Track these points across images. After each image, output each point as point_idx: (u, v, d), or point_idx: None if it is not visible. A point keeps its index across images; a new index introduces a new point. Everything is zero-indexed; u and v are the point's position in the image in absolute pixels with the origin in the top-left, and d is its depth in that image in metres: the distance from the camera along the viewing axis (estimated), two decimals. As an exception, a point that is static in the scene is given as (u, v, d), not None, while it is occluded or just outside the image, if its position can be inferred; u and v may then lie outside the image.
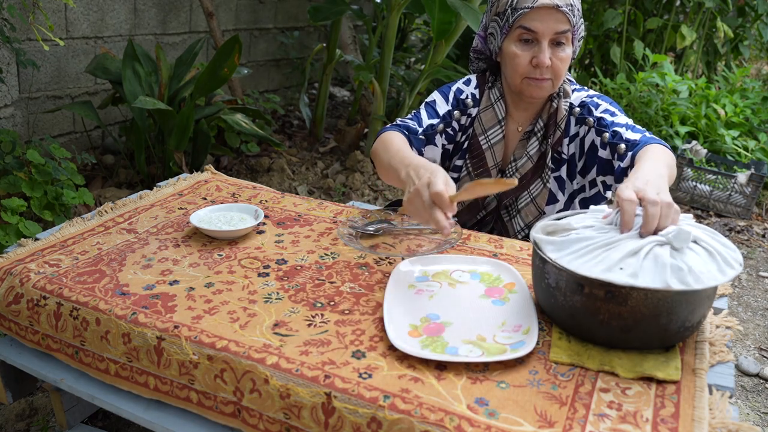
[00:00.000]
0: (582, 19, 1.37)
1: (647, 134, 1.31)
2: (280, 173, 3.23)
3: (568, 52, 1.34)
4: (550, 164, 1.43)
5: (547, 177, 1.43)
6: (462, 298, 1.09)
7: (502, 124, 1.45)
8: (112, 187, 2.80)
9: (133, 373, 1.04)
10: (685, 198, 3.42)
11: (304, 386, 0.89)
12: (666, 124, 3.58)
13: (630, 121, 1.36)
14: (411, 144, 1.41)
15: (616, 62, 3.95)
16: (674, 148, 3.56)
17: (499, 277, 1.16)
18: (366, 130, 3.72)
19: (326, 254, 1.26)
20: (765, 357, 2.13)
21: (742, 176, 3.24)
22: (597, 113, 1.38)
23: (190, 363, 0.97)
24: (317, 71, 4.17)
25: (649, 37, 4.11)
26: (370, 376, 0.89)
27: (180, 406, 1.00)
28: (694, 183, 3.39)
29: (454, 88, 1.50)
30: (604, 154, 1.36)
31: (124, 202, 1.51)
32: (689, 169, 3.39)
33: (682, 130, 3.50)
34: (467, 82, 1.51)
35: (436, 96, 1.50)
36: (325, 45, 3.72)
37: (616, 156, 1.32)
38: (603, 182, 1.41)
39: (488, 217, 1.54)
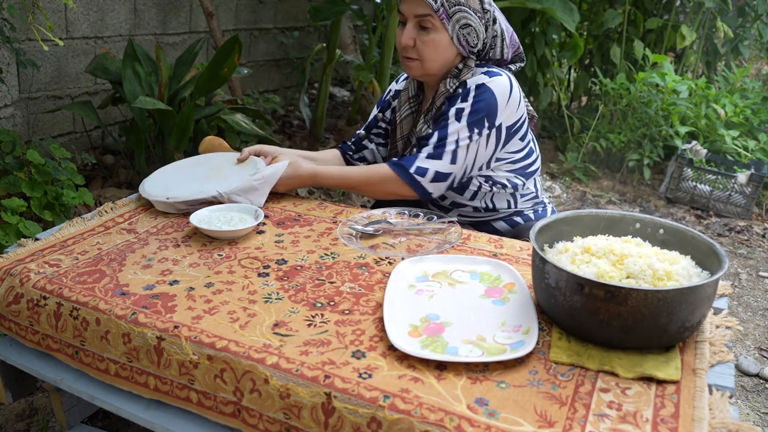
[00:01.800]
0: (460, 7, 1.41)
1: (435, 156, 1.42)
2: (280, 173, 3.22)
3: (433, 36, 1.42)
4: (413, 140, 1.56)
5: (410, 149, 1.57)
6: (462, 298, 1.09)
7: (413, 101, 1.59)
8: (112, 187, 2.79)
9: (133, 373, 1.04)
10: (685, 198, 3.42)
11: (304, 386, 0.89)
12: (666, 124, 3.58)
13: (457, 131, 1.42)
14: (344, 155, 1.70)
15: (616, 62, 3.95)
16: (674, 148, 3.56)
17: (499, 277, 1.16)
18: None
19: (326, 254, 1.26)
20: (765, 357, 2.13)
21: (742, 176, 3.24)
22: (453, 107, 1.44)
23: (190, 363, 0.97)
24: (317, 71, 4.17)
25: (649, 37, 4.11)
26: (370, 376, 0.89)
27: (180, 406, 1.00)
28: (694, 183, 3.39)
29: (388, 88, 1.71)
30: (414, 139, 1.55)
31: (124, 202, 1.51)
32: (689, 169, 3.39)
33: (682, 130, 3.50)
34: (399, 78, 1.70)
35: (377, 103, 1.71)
36: (325, 45, 3.72)
37: (412, 148, 1.55)
38: None
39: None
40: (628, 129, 3.70)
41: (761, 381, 2.00)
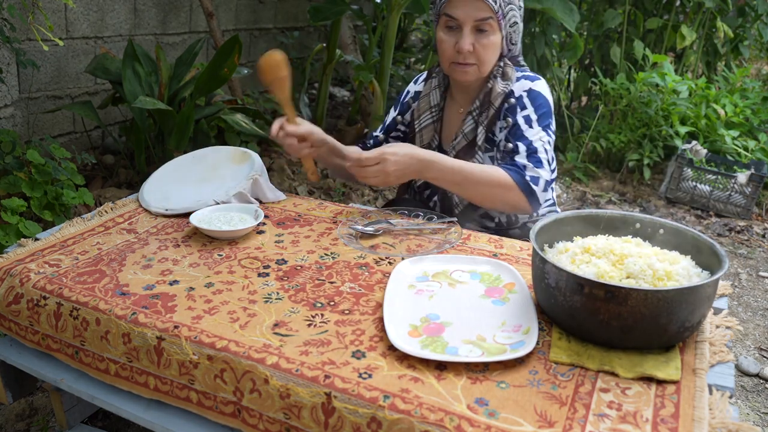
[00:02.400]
0: (512, 6, 1.39)
1: (536, 164, 1.34)
2: (280, 173, 3.23)
3: (491, 39, 1.38)
4: (483, 144, 1.46)
5: (480, 156, 1.47)
6: (462, 298, 1.09)
7: (434, 109, 1.52)
8: (112, 187, 2.79)
9: (133, 373, 1.04)
10: (685, 198, 3.42)
11: (304, 386, 0.89)
12: (666, 124, 3.58)
13: (537, 136, 1.37)
14: None
15: (616, 62, 3.95)
16: (674, 148, 3.56)
17: (499, 277, 1.16)
18: (366, 130, 3.72)
19: (326, 254, 1.26)
20: (765, 357, 2.13)
21: (742, 176, 3.24)
22: (518, 116, 1.40)
23: (190, 363, 0.97)
24: (317, 71, 4.17)
25: (649, 37, 4.11)
26: (370, 376, 0.89)
27: (180, 406, 1.00)
28: (694, 183, 3.39)
29: (404, 91, 1.63)
30: (498, 155, 1.44)
31: (124, 202, 1.51)
32: (689, 169, 3.39)
33: (682, 130, 3.50)
34: (417, 80, 1.62)
35: (394, 104, 1.64)
36: (325, 45, 3.72)
37: (498, 157, 1.43)
38: None
39: (428, 190, 1.60)
40: (628, 129, 3.69)
41: (761, 381, 2.00)
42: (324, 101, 3.75)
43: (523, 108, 1.41)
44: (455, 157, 1.46)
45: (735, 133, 3.53)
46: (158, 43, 2.99)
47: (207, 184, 1.50)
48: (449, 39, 1.40)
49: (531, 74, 1.46)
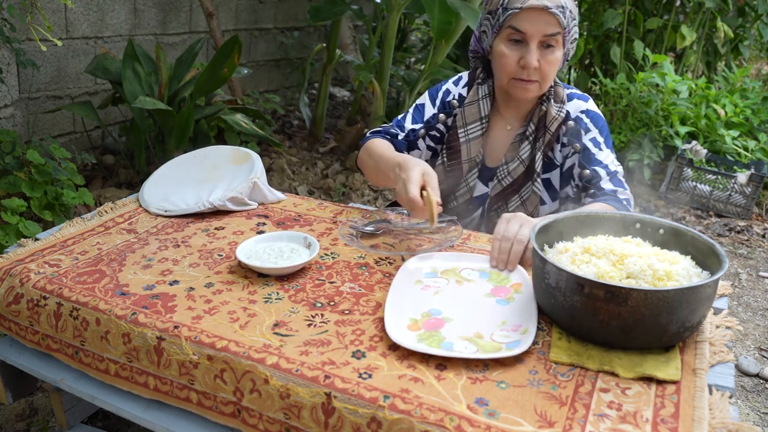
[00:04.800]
0: (575, 21, 1.36)
1: (619, 186, 1.34)
2: (280, 173, 3.23)
3: (557, 55, 1.32)
4: (539, 168, 1.42)
5: (539, 184, 1.43)
6: (467, 296, 1.10)
7: (484, 120, 1.45)
8: (112, 187, 2.80)
9: (133, 373, 1.04)
10: (684, 198, 3.42)
11: (304, 386, 0.89)
12: (666, 124, 3.58)
13: (610, 158, 1.37)
14: (395, 147, 1.45)
15: (616, 62, 3.95)
16: (674, 148, 3.56)
17: (507, 277, 1.17)
18: (366, 130, 3.71)
19: (326, 254, 1.26)
20: (765, 357, 2.13)
21: (742, 176, 3.24)
22: (585, 140, 1.38)
23: (190, 363, 0.97)
24: (317, 71, 4.17)
25: (649, 37, 4.11)
26: (370, 376, 0.89)
27: (180, 406, 1.00)
28: (694, 183, 3.39)
29: (443, 89, 1.51)
30: (577, 182, 1.40)
31: (124, 202, 1.51)
32: (689, 169, 3.39)
33: (682, 130, 3.50)
34: (457, 81, 1.51)
35: (425, 98, 1.52)
36: (325, 45, 3.72)
37: (581, 192, 1.39)
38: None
39: (467, 213, 1.54)
40: (628, 129, 3.69)
41: (761, 381, 2.00)
42: (324, 101, 3.75)
43: (588, 131, 1.39)
44: (512, 182, 1.44)
45: (735, 133, 3.53)
46: (158, 43, 2.99)
47: (207, 184, 1.50)
48: (513, 53, 1.32)
49: (577, 92, 1.44)
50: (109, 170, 2.95)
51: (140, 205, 1.49)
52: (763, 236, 3.12)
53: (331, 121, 4.27)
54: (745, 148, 3.52)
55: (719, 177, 3.31)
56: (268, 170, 3.25)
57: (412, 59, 4.99)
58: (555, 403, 0.84)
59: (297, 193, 2.43)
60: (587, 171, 1.36)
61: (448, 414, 0.82)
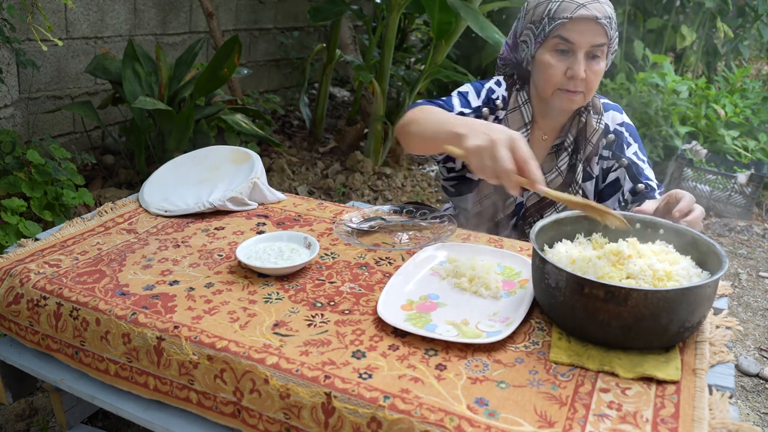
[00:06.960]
0: (617, 32, 1.35)
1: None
2: (280, 173, 3.23)
3: (602, 66, 1.31)
4: (579, 180, 1.41)
5: (575, 192, 1.42)
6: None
7: (528, 127, 1.42)
8: (112, 187, 2.79)
9: (133, 374, 1.04)
10: (685, 198, 3.42)
11: (304, 386, 0.89)
12: (666, 124, 3.58)
13: (650, 171, 1.40)
14: None
15: (616, 62, 3.95)
16: (674, 148, 3.56)
17: (520, 273, 1.18)
18: (366, 130, 3.71)
19: (326, 254, 1.26)
20: (765, 357, 2.13)
21: (742, 176, 3.24)
22: (629, 153, 1.39)
23: (190, 363, 0.97)
24: (317, 71, 4.17)
25: (649, 37, 4.11)
26: (370, 376, 0.89)
27: (180, 407, 1.00)
28: (694, 183, 3.39)
29: (487, 86, 1.45)
30: (627, 197, 1.39)
31: (124, 203, 1.51)
32: (689, 169, 3.39)
33: (682, 130, 3.50)
34: (498, 83, 1.46)
35: (469, 88, 1.45)
36: (325, 45, 3.72)
37: (631, 204, 1.38)
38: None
39: (503, 225, 1.50)
40: (628, 129, 3.69)
41: (761, 381, 2.00)
42: (324, 101, 3.75)
43: (629, 144, 1.40)
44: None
45: (735, 133, 3.53)
46: (158, 43, 2.99)
47: (207, 184, 1.50)
48: (559, 64, 1.29)
49: (609, 101, 1.44)
50: (109, 170, 2.95)
51: (140, 205, 1.49)
52: (763, 236, 3.12)
53: (331, 121, 4.27)
54: (745, 148, 3.52)
55: (719, 177, 3.31)
56: (268, 170, 3.25)
57: (412, 59, 4.99)
58: (555, 403, 0.84)
59: (297, 193, 2.43)
60: (641, 185, 1.37)
61: (448, 414, 0.82)
